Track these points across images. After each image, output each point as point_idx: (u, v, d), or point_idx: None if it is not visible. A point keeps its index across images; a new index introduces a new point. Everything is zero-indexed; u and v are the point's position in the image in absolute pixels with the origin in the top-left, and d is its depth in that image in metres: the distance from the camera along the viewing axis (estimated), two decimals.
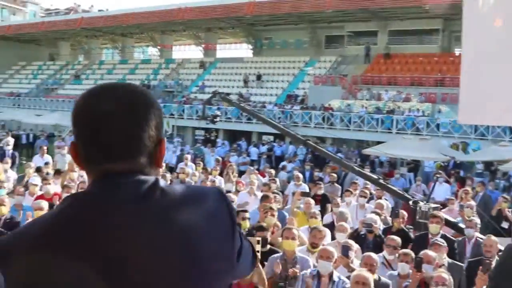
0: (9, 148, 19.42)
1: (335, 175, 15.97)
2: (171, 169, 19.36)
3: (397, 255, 7.20)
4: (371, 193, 13.22)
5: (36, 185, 10.90)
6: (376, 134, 28.86)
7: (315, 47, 42.84)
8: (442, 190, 16.48)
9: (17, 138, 29.44)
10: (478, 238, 8.50)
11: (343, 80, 35.87)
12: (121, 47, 58.16)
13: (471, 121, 10.14)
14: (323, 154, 13.16)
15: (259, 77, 41.01)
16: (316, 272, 6.07)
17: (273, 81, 41.04)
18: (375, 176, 11.33)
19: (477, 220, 9.10)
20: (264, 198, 9.68)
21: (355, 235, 8.72)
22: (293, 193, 11.97)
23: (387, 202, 11.85)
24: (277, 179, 15.60)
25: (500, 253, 5.68)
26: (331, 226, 8.41)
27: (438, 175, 13.75)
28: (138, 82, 46.75)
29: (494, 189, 16.88)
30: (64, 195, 9.33)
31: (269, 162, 26.14)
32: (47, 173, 12.59)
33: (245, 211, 8.60)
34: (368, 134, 29.29)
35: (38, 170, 13.51)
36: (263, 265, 6.33)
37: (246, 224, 8.01)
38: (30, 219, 7.71)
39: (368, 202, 12.08)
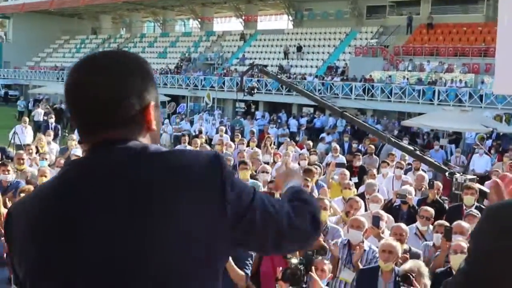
0: (52, 121, 19.89)
1: (373, 146, 15.88)
2: (210, 141, 19.57)
3: (431, 226, 7.19)
4: (409, 164, 13.14)
5: (78, 156, 11.15)
6: (418, 105, 28.51)
7: (356, 17, 42.19)
8: (482, 162, 16.27)
9: (60, 111, 30.07)
10: None
11: (384, 51, 35.35)
12: (162, 20, 58.35)
13: (507, 91, 9.94)
14: (359, 126, 13.10)
15: (299, 48, 40.76)
16: (346, 241, 6.12)
17: (314, 53, 40.76)
18: (410, 147, 11.22)
19: None
20: (307, 171, 9.51)
21: (389, 206, 8.72)
22: (328, 164, 11.96)
23: (425, 174, 11.74)
24: (316, 151, 15.59)
25: None
26: (362, 197, 8.39)
27: (475, 147, 13.53)
28: (179, 55, 47.08)
29: None
30: None
31: (308, 134, 26.10)
32: None
33: None
34: (409, 106, 28.96)
35: (80, 142, 13.76)
36: None
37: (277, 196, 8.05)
38: None
39: (405, 173, 12.02)
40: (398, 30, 38.13)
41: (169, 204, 1.45)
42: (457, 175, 9.46)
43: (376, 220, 6.51)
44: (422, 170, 12.26)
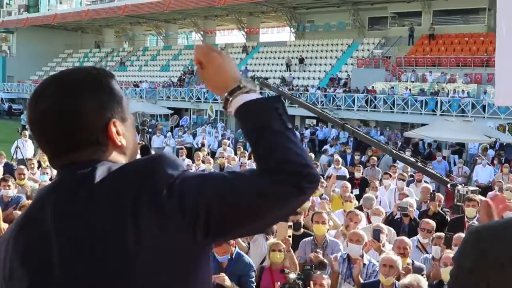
0: None
1: (375, 158, 15.83)
2: (213, 154, 19.52)
3: (431, 238, 7.16)
4: (411, 176, 13.06)
5: None
6: (420, 116, 28.48)
7: (358, 29, 42.33)
8: (485, 173, 16.19)
9: None
10: None
11: (386, 62, 35.40)
12: (165, 33, 58.61)
13: (508, 103, 9.91)
14: (360, 137, 13.04)
15: (301, 60, 40.85)
16: (346, 256, 6.08)
17: (316, 65, 40.84)
18: (412, 159, 11.17)
19: None
20: None
21: (390, 219, 8.68)
22: (328, 177, 11.92)
23: (429, 185, 11.68)
24: (318, 163, 15.55)
25: None
26: (362, 210, 8.36)
27: (477, 158, 13.48)
28: (181, 68, 47.19)
29: None
30: None
31: (311, 146, 26.06)
32: None
33: None
34: (412, 117, 28.91)
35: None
36: (295, 249, 6.36)
37: None
38: None
39: (408, 185, 11.98)
40: (400, 41, 38.21)
41: (114, 240, 1.36)
42: (459, 186, 9.41)
43: (376, 233, 6.47)
44: (425, 181, 12.21)
